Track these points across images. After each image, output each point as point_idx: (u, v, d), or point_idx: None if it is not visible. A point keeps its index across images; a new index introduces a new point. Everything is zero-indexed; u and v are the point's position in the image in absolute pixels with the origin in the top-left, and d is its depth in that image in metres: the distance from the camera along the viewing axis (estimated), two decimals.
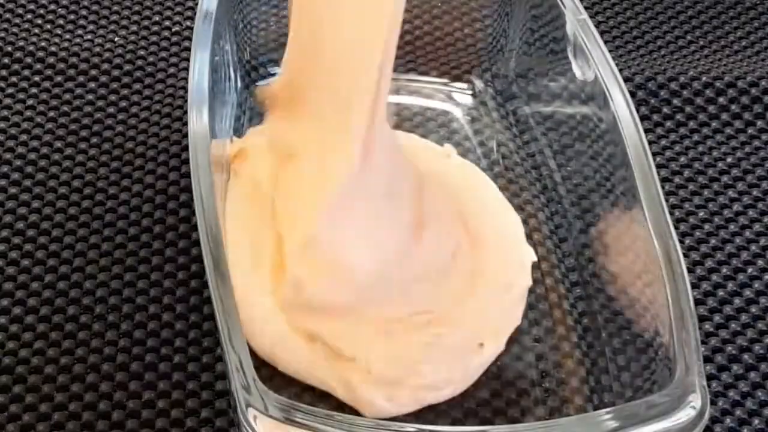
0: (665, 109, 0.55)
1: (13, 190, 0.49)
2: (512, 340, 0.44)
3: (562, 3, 0.47)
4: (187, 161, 0.51)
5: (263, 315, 0.42)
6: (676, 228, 0.45)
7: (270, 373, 0.42)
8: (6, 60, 0.55)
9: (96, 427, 0.41)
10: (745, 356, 0.45)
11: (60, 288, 0.46)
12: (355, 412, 0.40)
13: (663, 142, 0.54)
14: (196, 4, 0.46)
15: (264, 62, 0.53)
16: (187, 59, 0.54)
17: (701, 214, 0.51)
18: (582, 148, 0.46)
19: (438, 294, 0.43)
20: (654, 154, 0.46)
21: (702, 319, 0.46)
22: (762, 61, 0.58)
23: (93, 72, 0.55)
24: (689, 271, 0.45)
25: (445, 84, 0.54)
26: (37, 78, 0.55)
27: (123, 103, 0.54)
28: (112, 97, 0.54)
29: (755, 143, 0.54)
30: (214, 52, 0.44)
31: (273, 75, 0.52)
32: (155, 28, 0.58)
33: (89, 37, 0.57)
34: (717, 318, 0.46)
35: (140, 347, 0.44)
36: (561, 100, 0.48)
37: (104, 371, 0.43)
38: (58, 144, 0.52)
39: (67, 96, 0.54)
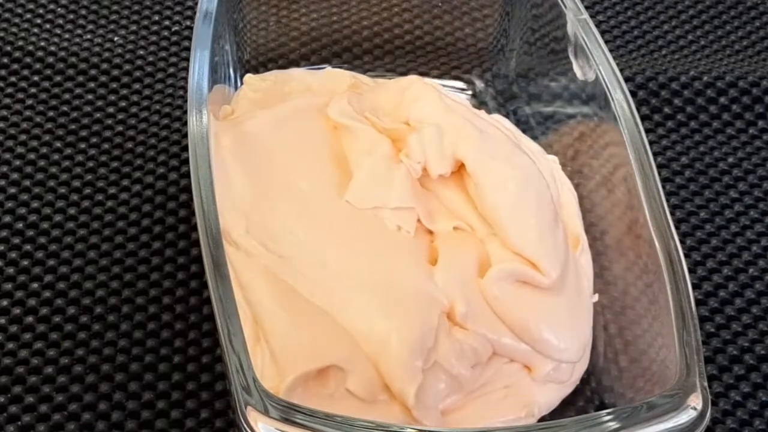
0: (666, 109, 0.55)
1: (12, 190, 0.49)
2: None
3: (563, 3, 0.47)
4: (187, 161, 0.51)
5: None
6: (677, 228, 0.45)
7: None
8: (6, 60, 0.55)
9: (96, 427, 0.41)
10: (747, 357, 0.45)
11: (59, 288, 0.46)
12: None
13: (664, 142, 0.54)
14: (196, 4, 0.46)
15: (264, 62, 0.52)
16: (187, 59, 0.54)
17: (702, 214, 0.51)
18: (582, 149, 0.46)
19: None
20: (655, 154, 0.46)
21: (703, 319, 0.46)
22: (763, 61, 0.58)
23: (93, 72, 0.55)
24: (690, 271, 0.45)
25: (445, 84, 0.53)
26: (36, 78, 0.55)
27: (123, 103, 0.54)
28: (112, 97, 0.54)
29: (756, 143, 0.54)
30: (214, 52, 0.44)
31: None
32: (155, 28, 0.58)
33: (89, 37, 0.57)
34: (718, 319, 0.46)
35: (140, 348, 0.44)
36: (562, 100, 0.48)
37: (104, 372, 0.43)
38: (58, 144, 0.52)
39: (67, 96, 0.54)
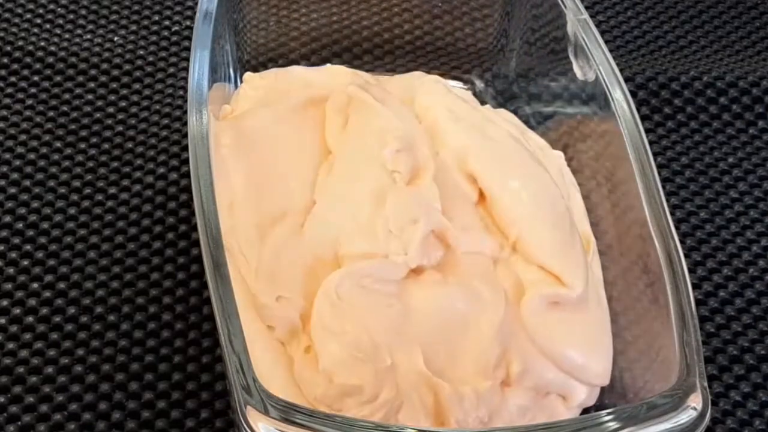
0: (666, 109, 0.55)
1: (12, 190, 0.49)
2: None
3: (563, 3, 0.47)
4: (187, 161, 0.50)
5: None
6: (677, 228, 0.44)
7: None
8: (6, 60, 0.55)
9: (96, 427, 0.41)
10: (747, 357, 0.45)
11: (59, 288, 0.46)
12: None
13: (664, 142, 0.54)
14: (196, 4, 0.46)
15: (264, 62, 0.52)
16: (187, 59, 0.54)
17: (702, 214, 0.50)
18: (582, 149, 0.46)
19: None
20: (655, 155, 0.45)
21: (703, 319, 0.46)
22: (763, 61, 0.58)
23: (93, 72, 0.55)
24: (690, 271, 0.45)
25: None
26: (36, 78, 0.55)
27: (123, 103, 0.54)
28: (112, 97, 0.54)
29: (756, 143, 0.54)
30: (214, 52, 0.44)
31: None
32: (155, 28, 0.58)
33: (89, 36, 0.57)
34: (718, 319, 0.46)
35: (140, 348, 0.44)
36: (562, 100, 0.48)
37: (104, 372, 0.43)
38: (58, 144, 0.52)
39: (67, 96, 0.54)
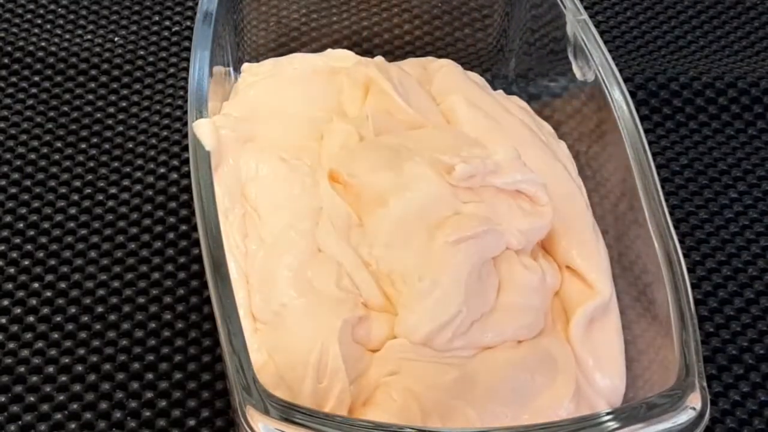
0: (665, 110, 0.55)
1: (13, 190, 0.49)
2: None
3: (563, 3, 0.47)
4: (187, 161, 0.51)
5: None
6: (677, 228, 0.45)
7: None
8: (6, 60, 0.55)
9: (96, 426, 0.41)
10: (746, 356, 0.45)
11: (60, 288, 0.46)
12: None
13: (663, 142, 0.54)
14: (196, 4, 0.46)
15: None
16: (187, 59, 0.54)
17: (701, 214, 0.51)
18: (581, 149, 0.46)
19: None
20: (654, 155, 0.46)
21: (702, 319, 0.46)
22: (762, 62, 0.58)
23: (93, 72, 0.55)
24: (690, 271, 0.45)
25: None
26: (37, 78, 0.55)
27: (123, 103, 0.54)
28: (112, 97, 0.54)
29: (755, 143, 0.54)
30: (214, 52, 0.44)
31: None
32: (155, 28, 0.58)
33: (89, 37, 0.57)
34: (717, 318, 0.46)
35: (140, 347, 0.44)
36: (561, 100, 0.48)
37: (104, 371, 0.43)
38: (58, 144, 0.52)
39: (67, 96, 0.54)
